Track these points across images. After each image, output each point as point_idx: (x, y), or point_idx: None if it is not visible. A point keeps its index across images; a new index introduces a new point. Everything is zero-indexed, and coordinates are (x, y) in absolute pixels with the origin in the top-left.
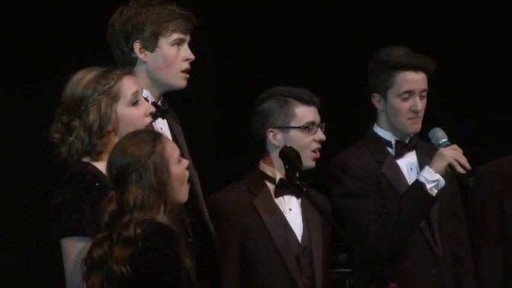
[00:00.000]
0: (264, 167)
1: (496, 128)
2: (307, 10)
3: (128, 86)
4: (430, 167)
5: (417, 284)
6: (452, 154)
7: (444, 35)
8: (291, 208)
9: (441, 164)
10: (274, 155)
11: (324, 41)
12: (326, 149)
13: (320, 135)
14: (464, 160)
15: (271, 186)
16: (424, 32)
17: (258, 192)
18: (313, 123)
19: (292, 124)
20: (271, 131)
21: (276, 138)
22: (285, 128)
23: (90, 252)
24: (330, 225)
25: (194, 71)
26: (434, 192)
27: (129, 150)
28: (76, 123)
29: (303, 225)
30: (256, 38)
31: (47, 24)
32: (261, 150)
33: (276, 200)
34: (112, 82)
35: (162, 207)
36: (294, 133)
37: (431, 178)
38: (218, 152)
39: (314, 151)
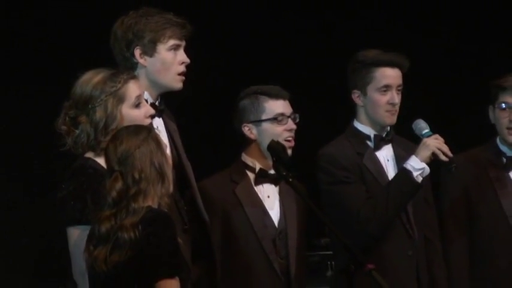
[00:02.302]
0: (246, 158)
1: (470, 121)
2: (295, 10)
3: (132, 89)
4: (416, 156)
5: (395, 264)
6: (435, 143)
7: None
8: (269, 195)
9: (426, 152)
10: (253, 147)
11: (311, 41)
12: (311, 143)
13: (290, 125)
14: (446, 148)
15: (251, 176)
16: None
17: (239, 180)
18: (282, 114)
19: (263, 117)
20: (246, 126)
21: (251, 132)
22: (257, 122)
23: (94, 230)
24: (313, 210)
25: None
26: (420, 179)
27: (128, 138)
28: (83, 118)
29: (280, 211)
30: (246, 37)
31: (48, 25)
32: (243, 143)
33: (255, 188)
34: (119, 85)
35: (160, 188)
36: (265, 125)
37: (418, 166)
38: (209, 147)
39: (287, 140)
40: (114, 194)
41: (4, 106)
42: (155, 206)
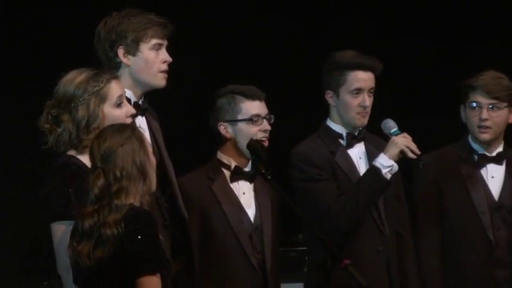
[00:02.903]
0: (221, 156)
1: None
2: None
3: (114, 89)
4: (385, 154)
5: (366, 259)
6: (404, 141)
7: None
8: (245, 192)
9: (394, 150)
10: (229, 145)
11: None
12: (285, 141)
13: (265, 126)
14: (414, 146)
15: (227, 173)
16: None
17: (216, 178)
18: (258, 115)
19: (239, 117)
20: (221, 125)
21: (227, 131)
22: (233, 121)
23: (77, 226)
24: (290, 207)
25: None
26: (389, 176)
27: (112, 136)
28: (65, 117)
29: (255, 207)
30: (225, 37)
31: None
32: (218, 141)
33: (231, 185)
34: (101, 85)
35: (141, 186)
36: (241, 125)
37: (386, 164)
38: (189, 146)
39: (261, 140)
40: (96, 190)
41: (4, 106)
42: (137, 203)
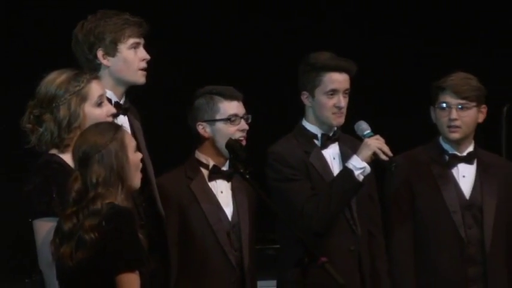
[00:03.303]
0: (199, 155)
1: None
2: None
3: (95, 89)
4: (357, 156)
5: (338, 258)
6: (376, 143)
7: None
8: (222, 191)
9: (367, 152)
10: (207, 144)
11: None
12: (261, 141)
13: (243, 125)
14: (386, 148)
15: (205, 172)
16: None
17: (194, 177)
18: (235, 115)
19: (217, 117)
20: (200, 124)
21: (205, 131)
22: (211, 121)
23: (60, 226)
24: (269, 206)
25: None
26: (361, 178)
27: (93, 138)
28: (47, 117)
29: (233, 206)
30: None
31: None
32: (196, 141)
33: (209, 184)
34: (82, 85)
35: (120, 189)
36: (219, 125)
37: (359, 165)
38: (168, 145)
39: (239, 139)
40: (73, 194)
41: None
42: (118, 202)
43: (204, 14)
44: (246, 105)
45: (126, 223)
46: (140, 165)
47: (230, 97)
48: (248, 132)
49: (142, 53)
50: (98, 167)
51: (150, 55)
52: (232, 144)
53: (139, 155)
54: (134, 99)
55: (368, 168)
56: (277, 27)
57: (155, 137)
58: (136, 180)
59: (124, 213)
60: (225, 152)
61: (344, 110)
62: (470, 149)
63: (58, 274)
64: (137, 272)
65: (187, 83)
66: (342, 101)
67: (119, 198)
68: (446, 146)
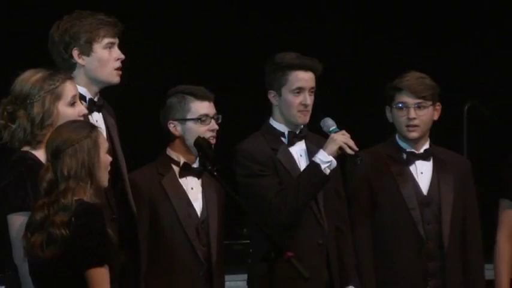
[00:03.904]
0: (170, 153)
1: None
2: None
3: (69, 88)
4: (324, 150)
5: (307, 252)
6: (342, 138)
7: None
8: (193, 187)
9: (333, 147)
10: (178, 142)
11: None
12: (229, 138)
13: (213, 125)
14: (352, 143)
15: (176, 169)
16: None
17: (165, 173)
18: (206, 115)
19: (188, 116)
20: (171, 123)
21: (176, 129)
22: (182, 120)
23: (31, 218)
24: (236, 202)
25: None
26: (328, 171)
27: (68, 134)
28: (20, 113)
29: (202, 202)
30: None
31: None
32: (167, 138)
33: (180, 180)
34: (57, 83)
35: (89, 185)
36: (189, 124)
37: (325, 159)
38: (141, 142)
39: (209, 138)
40: (44, 184)
41: None
42: (87, 199)
43: (179, 16)
44: (216, 105)
45: (95, 219)
46: (109, 167)
47: (202, 97)
48: (218, 130)
49: (116, 52)
50: (69, 160)
51: (124, 54)
52: (200, 142)
53: (109, 158)
54: (108, 97)
55: (334, 162)
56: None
57: (128, 134)
58: (104, 179)
59: (93, 209)
60: (195, 149)
61: (310, 108)
62: (426, 146)
63: (30, 270)
64: (107, 266)
65: (159, 81)
66: (308, 98)
67: (88, 194)
68: (403, 144)
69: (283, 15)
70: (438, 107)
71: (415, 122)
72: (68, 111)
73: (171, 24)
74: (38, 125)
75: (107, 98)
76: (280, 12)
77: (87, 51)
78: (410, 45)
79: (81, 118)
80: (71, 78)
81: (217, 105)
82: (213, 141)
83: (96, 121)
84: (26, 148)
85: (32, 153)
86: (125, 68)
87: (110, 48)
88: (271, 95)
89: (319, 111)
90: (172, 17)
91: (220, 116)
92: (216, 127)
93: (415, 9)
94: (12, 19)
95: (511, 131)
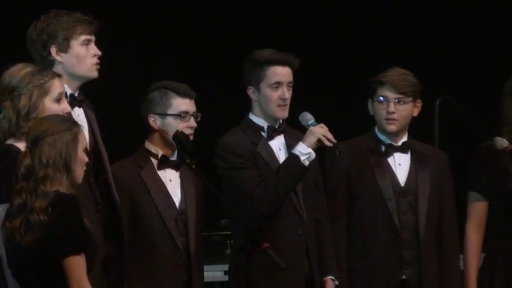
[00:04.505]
0: (149, 146)
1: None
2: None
3: (57, 85)
4: (303, 143)
5: (286, 242)
6: (321, 131)
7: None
8: (171, 179)
9: (312, 139)
10: (157, 136)
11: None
12: (210, 133)
13: (192, 123)
14: (330, 135)
15: (154, 161)
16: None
17: (144, 165)
18: (186, 112)
19: (169, 112)
20: (151, 116)
21: (156, 123)
22: (163, 115)
23: (10, 202)
24: (214, 194)
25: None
26: (307, 163)
27: (49, 125)
28: (7, 103)
29: (181, 194)
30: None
31: None
32: (146, 131)
33: (158, 172)
34: (46, 79)
35: (65, 176)
36: (169, 120)
37: (304, 151)
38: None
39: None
40: (22, 169)
41: None
42: (64, 191)
43: (161, 13)
44: (197, 102)
45: (70, 208)
46: (85, 167)
47: (183, 94)
48: (199, 125)
49: (93, 49)
50: (48, 149)
51: (101, 51)
52: (179, 136)
53: (86, 157)
54: (89, 91)
55: (313, 154)
56: (225, 28)
57: (108, 127)
58: (79, 176)
59: (69, 199)
60: (173, 143)
61: (288, 102)
62: (405, 139)
63: (8, 260)
64: (83, 254)
65: (139, 76)
66: (286, 93)
67: (64, 185)
68: (382, 137)
69: (265, 13)
70: (418, 104)
71: (394, 116)
72: (53, 106)
73: (152, 21)
74: (24, 117)
75: (86, 94)
76: (262, 10)
77: (64, 48)
78: (388, 41)
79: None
80: (59, 76)
81: (200, 101)
82: (191, 137)
83: (78, 115)
84: (10, 141)
85: (16, 146)
86: (105, 64)
87: (86, 45)
88: (250, 91)
89: (298, 107)
90: (153, 14)
91: (199, 114)
92: (195, 125)
93: (390, 5)
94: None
95: (482, 126)
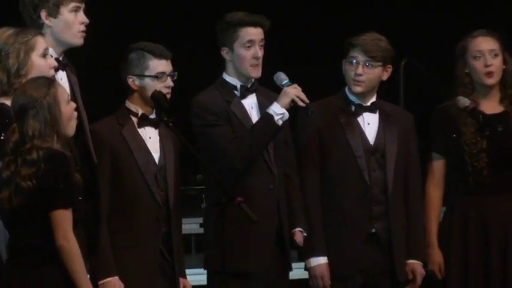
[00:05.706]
0: (129, 105)
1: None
2: None
3: (41, 42)
4: (277, 103)
5: (258, 196)
6: (294, 91)
7: None
8: (151, 136)
9: (286, 99)
10: (136, 96)
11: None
12: (187, 92)
13: (168, 82)
14: (303, 96)
15: (134, 120)
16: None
17: (125, 123)
18: (163, 73)
19: (146, 73)
20: (130, 77)
21: (134, 84)
22: (141, 76)
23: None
24: (189, 150)
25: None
26: (280, 123)
27: (29, 92)
28: None
29: (160, 150)
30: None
31: None
32: (126, 91)
33: (138, 130)
34: (30, 36)
35: (55, 138)
36: (147, 80)
37: (279, 111)
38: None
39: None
40: (11, 145)
41: None
42: (55, 146)
43: None
44: (173, 62)
45: (61, 164)
46: (74, 114)
47: (160, 56)
48: (175, 85)
49: (81, 16)
50: (33, 122)
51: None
52: (156, 95)
53: (72, 106)
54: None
55: (287, 114)
56: None
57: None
58: (69, 129)
59: (60, 155)
60: (152, 102)
61: (260, 62)
62: (373, 99)
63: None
64: (70, 209)
65: (119, 36)
66: (259, 51)
67: (56, 147)
68: (351, 97)
69: None
70: (389, 68)
71: (361, 78)
72: (40, 61)
73: None
74: (14, 74)
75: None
76: None
77: (54, 13)
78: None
79: (52, 71)
80: (41, 33)
81: (176, 62)
82: (168, 96)
83: (61, 79)
84: (1, 100)
85: (7, 105)
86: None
87: (75, 11)
88: (224, 52)
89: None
90: None
91: (176, 73)
92: (172, 84)
93: None
94: None
95: (446, 86)
